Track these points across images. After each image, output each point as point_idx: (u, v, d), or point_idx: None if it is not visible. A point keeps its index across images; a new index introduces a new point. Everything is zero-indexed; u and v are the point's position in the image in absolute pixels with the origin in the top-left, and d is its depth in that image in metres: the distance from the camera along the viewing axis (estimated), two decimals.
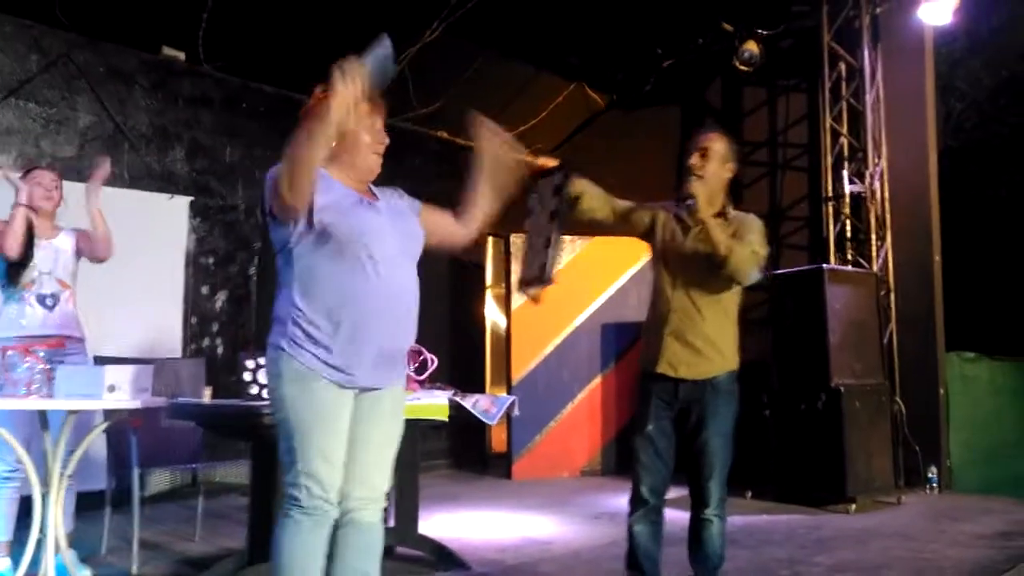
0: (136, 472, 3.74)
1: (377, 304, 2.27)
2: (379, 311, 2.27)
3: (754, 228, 2.97)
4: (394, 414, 2.42)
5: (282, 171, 2.16)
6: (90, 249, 3.79)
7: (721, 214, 2.98)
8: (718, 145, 2.97)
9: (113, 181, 5.60)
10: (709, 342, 2.93)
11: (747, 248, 2.85)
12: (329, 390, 2.23)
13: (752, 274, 2.86)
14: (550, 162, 2.81)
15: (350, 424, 2.27)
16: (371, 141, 2.38)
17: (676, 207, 3.03)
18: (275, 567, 2.22)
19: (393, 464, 2.42)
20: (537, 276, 2.70)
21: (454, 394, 3.76)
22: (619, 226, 3.10)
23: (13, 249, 3.54)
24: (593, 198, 2.97)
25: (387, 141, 2.42)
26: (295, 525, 2.21)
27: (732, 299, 2.98)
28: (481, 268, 8.17)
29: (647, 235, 3.08)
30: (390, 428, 2.40)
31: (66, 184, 3.89)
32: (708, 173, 2.94)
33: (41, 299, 3.64)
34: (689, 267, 2.94)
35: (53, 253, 3.71)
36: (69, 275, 3.76)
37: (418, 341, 3.81)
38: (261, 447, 3.43)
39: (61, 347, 3.65)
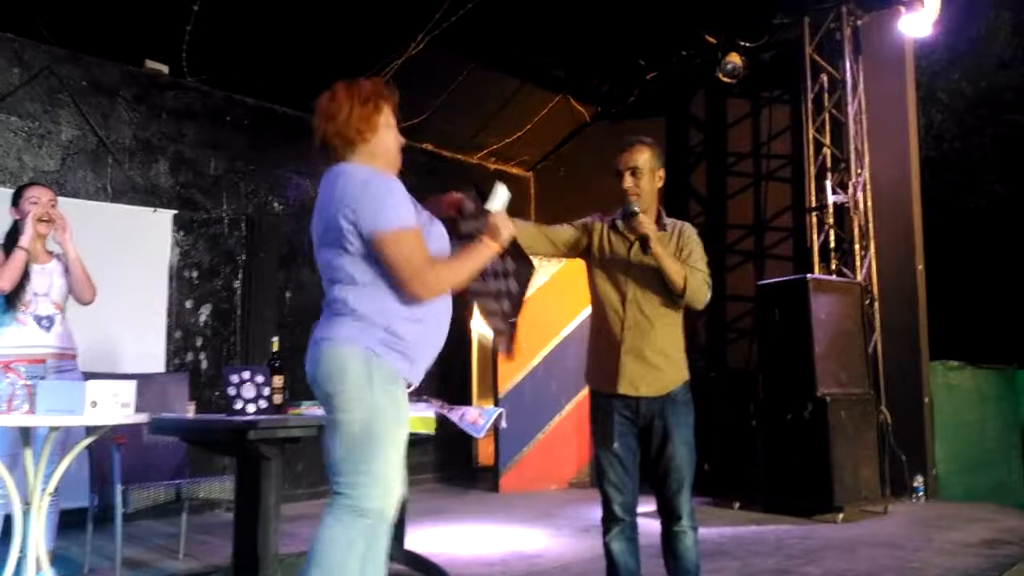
0: (119, 488, 3.69)
1: (445, 314, 2.37)
2: (446, 320, 2.37)
3: (696, 243, 2.97)
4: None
5: (442, 283, 2.27)
6: (70, 285, 3.83)
7: (658, 223, 2.96)
8: (645, 157, 2.93)
9: (96, 195, 5.61)
10: (664, 355, 2.91)
11: (699, 275, 2.87)
12: (405, 395, 2.28)
13: (707, 298, 2.88)
14: (454, 196, 2.57)
15: None
16: (398, 142, 2.42)
17: (614, 219, 3.01)
18: (334, 565, 2.13)
19: None
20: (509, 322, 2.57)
21: (441, 407, 3.74)
22: (564, 253, 3.07)
23: (5, 286, 3.59)
24: (528, 236, 2.85)
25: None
26: (357, 528, 2.16)
27: (679, 309, 2.96)
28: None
29: (584, 253, 3.04)
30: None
31: None
32: (643, 190, 2.92)
33: (38, 320, 3.68)
34: (639, 281, 2.90)
35: (48, 277, 3.76)
36: (62, 297, 3.81)
37: None
38: (246, 462, 3.39)
39: (42, 363, 3.63)
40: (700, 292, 2.85)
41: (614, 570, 2.95)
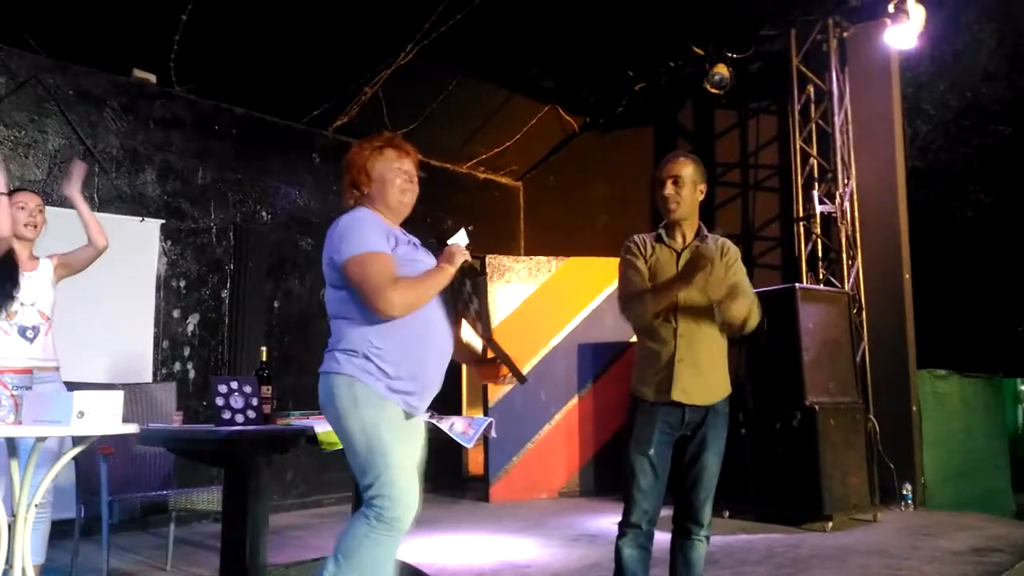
0: (106, 499, 3.65)
1: (439, 344, 2.58)
2: (440, 350, 2.58)
3: (742, 267, 3.03)
4: (423, 436, 2.75)
5: (404, 299, 2.43)
6: (75, 259, 3.84)
7: (699, 235, 3.02)
8: (689, 170, 2.98)
9: None
10: (714, 364, 2.97)
11: (750, 301, 2.90)
12: (400, 412, 2.50)
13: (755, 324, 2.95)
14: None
15: None
16: (400, 182, 2.63)
17: (657, 233, 3.05)
18: (353, 568, 2.35)
19: None
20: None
21: (430, 416, 3.72)
22: None
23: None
24: None
25: (416, 181, 2.69)
26: (374, 535, 2.37)
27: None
28: None
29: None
30: (422, 448, 2.72)
31: None
32: (683, 199, 2.97)
33: (22, 331, 3.62)
34: (689, 291, 2.92)
35: (35, 285, 3.70)
36: (49, 306, 3.75)
37: None
38: (234, 472, 3.37)
39: (29, 373, 3.59)
40: (755, 319, 2.92)
41: (621, 571, 2.93)
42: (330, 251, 2.49)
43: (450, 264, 2.56)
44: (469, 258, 2.60)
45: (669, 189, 2.96)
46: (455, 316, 2.68)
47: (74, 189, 3.81)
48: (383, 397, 2.44)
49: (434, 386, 2.59)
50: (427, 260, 2.60)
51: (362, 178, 2.60)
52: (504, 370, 2.71)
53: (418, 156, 2.71)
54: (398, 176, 2.62)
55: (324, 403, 2.50)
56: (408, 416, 2.55)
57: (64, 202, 5.47)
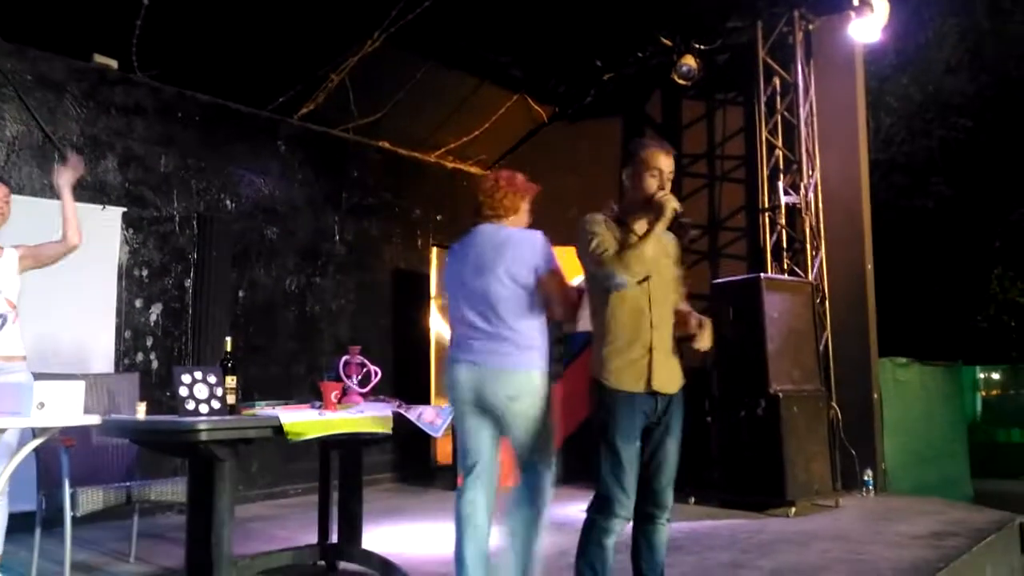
0: (68, 491, 3.60)
1: None
2: None
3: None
4: None
5: (571, 311, 3.15)
6: (43, 252, 3.78)
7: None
8: (672, 163, 3.01)
9: (42, 191, 5.46)
10: (678, 351, 3.03)
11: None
12: None
13: None
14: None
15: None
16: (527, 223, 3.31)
17: (618, 216, 3.04)
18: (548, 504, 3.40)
19: None
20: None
21: (398, 406, 3.73)
22: None
23: None
24: None
25: None
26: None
27: None
28: (425, 278, 8.14)
29: None
30: None
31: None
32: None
33: None
34: (660, 279, 2.96)
35: (1, 273, 3.61)
36: (15, 294, 3.68)
37: (362, 352, 3.78)
38: (199, 463, 3.34)
39: None
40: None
41: (604, 566, 2.94)
42: (537, 258, 3.06)
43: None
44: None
45: (667, 186, 2.97)
46: None
47: (65, 182, 3.77)
48: None
49: None
50: None
51: (509, 206, 3.20)
52: None
53: None
54: (528, 216, 3.29)
55: (522, 393, 3.08)
56: None
57: (23, 189, 5.39)
